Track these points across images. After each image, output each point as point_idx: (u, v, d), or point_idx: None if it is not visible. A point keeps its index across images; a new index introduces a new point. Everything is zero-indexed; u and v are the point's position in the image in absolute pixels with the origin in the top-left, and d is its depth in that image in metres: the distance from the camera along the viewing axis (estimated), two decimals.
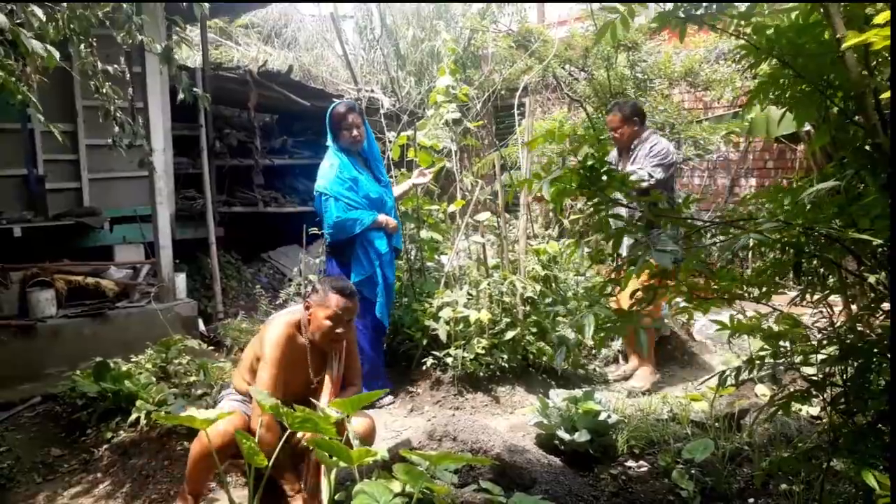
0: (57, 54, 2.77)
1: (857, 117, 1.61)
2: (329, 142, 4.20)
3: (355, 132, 4.11)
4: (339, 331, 2.83)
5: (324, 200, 4.09)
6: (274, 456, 2.44)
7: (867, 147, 1.61)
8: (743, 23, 1.80)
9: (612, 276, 1.98)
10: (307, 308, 2.87)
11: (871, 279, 1.78)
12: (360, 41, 10.45)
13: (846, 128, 1.68)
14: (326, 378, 2.91)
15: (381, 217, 4.12)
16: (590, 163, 1.92)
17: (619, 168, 4.08)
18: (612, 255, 2.01)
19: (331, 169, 4.09)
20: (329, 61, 11.29)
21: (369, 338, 4.17)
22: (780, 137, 6.24)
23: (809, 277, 1.97)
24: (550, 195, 1.96)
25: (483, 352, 4.12)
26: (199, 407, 3.39)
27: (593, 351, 4.96)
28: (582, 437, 3.12)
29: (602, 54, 7.14)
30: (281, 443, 2.47)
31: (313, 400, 2.81)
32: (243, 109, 7.61)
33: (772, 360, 2.05)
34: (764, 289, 1.99)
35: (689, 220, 1.88)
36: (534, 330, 4.42)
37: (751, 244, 1.66)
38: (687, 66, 7.25)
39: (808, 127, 4.17)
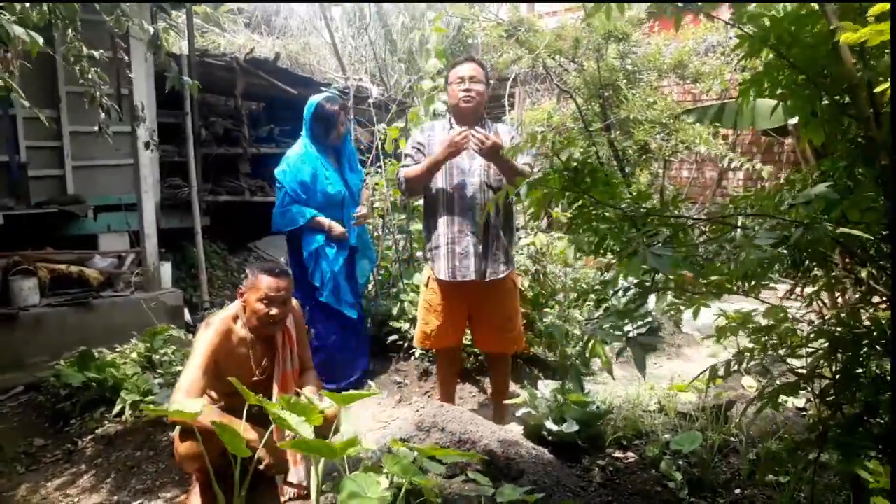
0: (40, 39, 2.71)
1: (850, 110, 1.61)
2: (304, 132, 4.07)
3: (341, 129, 4.04)
4: (273, 312, 2.77)
5: (277, 188, 4.04)
6: (261, 447, 2.43)
7: (860, 139, 1.61)
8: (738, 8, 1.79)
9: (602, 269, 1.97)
10: (241, 296, 2.85)
11: (863, 273, 1.78)
12: (349, 28, 10.37)
13: (840, 119, 1.67)
14: (277, 372, 2.87)
15: (322, 219, 3.97)
16: (574, 164, 1.90)
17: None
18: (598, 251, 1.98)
19: (294, 157, 4.00)
20: (317, 49, 11.19)
21: (332, 328, 4.12)
22: (768, 130, 6.26)
23: (798, 271, 1.97)
24: (531, 202, 1.90)
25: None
26: None
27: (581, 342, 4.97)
28: (570, 427, 3.12)
29: (592, 45, 7.12)
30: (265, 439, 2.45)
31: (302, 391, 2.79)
32: (230, 97, 7.54)
33: (760, 354, 2.05)
34: (753, 283, 1.99)
35: (680, 218, 1.87)
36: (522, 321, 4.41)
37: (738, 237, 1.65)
38: (676, 58, 7.25)
39: (795, 120, 4.16)
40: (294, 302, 3.04)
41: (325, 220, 3.98)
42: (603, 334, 1.85)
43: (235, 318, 2.84)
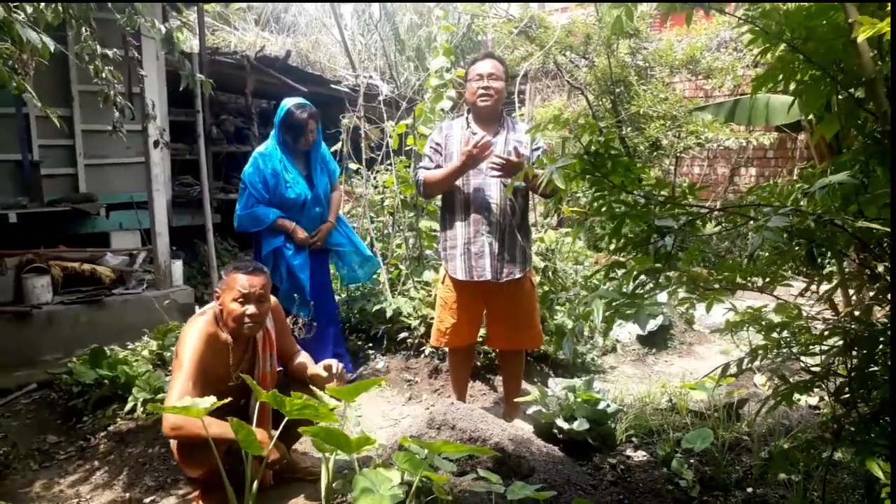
0: (52, 44, 2.72)
1: (869, 104, 1.58)
2: (273, 132, 4.00)
3: (310, 137, 3.97)
4: (250, 311, 2.68)
5: (241, 188, 3.99)
6: (272, 443, 2.43)
7: (877, 134, 1.59)
8: (751, 7, 1.77)
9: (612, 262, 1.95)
10: (217, 298, 2.78)
11: (880, 268, 1.76)
12: (358, 26, 10.37)
13: (857, 114, 1.65)
14: (264, 374, 2.83)
15: (286, 222, 3.95)
16: (594, 148, 1.89)
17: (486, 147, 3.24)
18: (612, 242, 1.96)
19: (258, 156, 3.96)
20: (327, 47, 11.20)
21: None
22: (782, 126, 6.21)
23: (813, 266, 1.95)
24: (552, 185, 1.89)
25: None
26: None
27: (591, 340, 4.96)
28: (580, 425, 3.11)
29: (603, 41, 7.09)
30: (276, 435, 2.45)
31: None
32: (240, 95, 7.56)
33: (774, 352, 2.03)
34: (767, 279, 1.97)
35: (693, 208, 1.85)
36: None
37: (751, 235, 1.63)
38: (688, 53, 7.20)
39: (809, 116, 4.11)
40: (273, 300, 2.99)
41: (289, 223, 3.96)
42: (604, 292, 1.85)
43: (215, 321, 2.76)
